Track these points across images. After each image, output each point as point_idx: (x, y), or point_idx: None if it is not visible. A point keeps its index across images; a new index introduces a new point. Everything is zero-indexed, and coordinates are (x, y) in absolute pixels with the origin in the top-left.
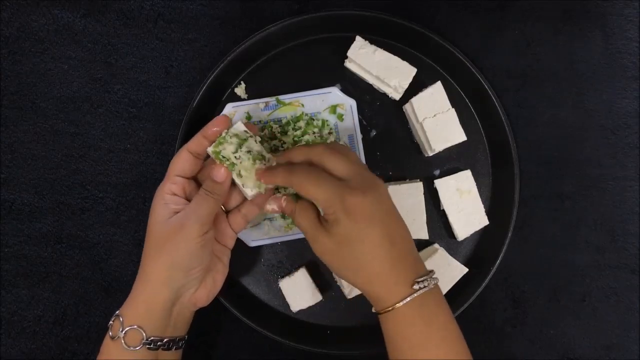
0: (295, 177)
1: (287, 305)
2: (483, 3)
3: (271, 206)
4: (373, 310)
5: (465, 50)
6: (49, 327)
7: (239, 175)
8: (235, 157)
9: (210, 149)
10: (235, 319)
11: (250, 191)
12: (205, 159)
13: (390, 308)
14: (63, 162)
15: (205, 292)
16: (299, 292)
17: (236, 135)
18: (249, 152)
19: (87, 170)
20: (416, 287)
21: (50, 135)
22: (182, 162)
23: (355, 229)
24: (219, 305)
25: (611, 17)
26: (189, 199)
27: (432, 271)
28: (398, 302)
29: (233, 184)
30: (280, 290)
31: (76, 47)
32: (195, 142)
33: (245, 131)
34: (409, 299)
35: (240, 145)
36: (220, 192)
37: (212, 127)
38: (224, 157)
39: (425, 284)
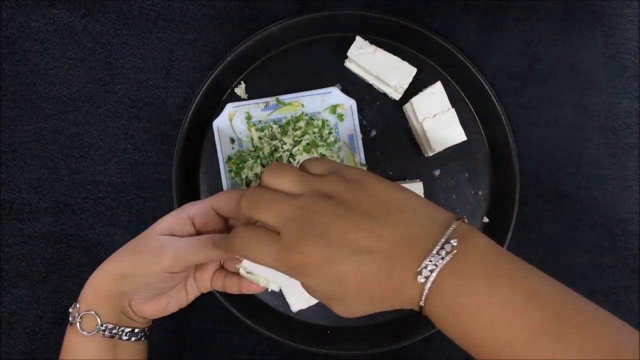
0: (232, 246)
1: (287, 305)
2: (483, 3)
3: None
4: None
5: (465, 50)
6: (49, 327)
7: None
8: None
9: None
10: (235, 319)
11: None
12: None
13: (416, 308)
14: (63, 162)
15: (152, 309)
16: (299, 292)
17: None
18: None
19: (87, 170)
20: (420, 278)
21: (50, 135)
22: (212, 221)
23: (311, 283)
24: (219, 305)
25: (611, 17)
26: (198, 231)
27: (459, 221)
28: (418, 303)
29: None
30: (280, 290)
31: (76, 47)
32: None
33: None
34: (423, 297)
35: None
36: (224, 257)
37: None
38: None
39: (436, 261)
